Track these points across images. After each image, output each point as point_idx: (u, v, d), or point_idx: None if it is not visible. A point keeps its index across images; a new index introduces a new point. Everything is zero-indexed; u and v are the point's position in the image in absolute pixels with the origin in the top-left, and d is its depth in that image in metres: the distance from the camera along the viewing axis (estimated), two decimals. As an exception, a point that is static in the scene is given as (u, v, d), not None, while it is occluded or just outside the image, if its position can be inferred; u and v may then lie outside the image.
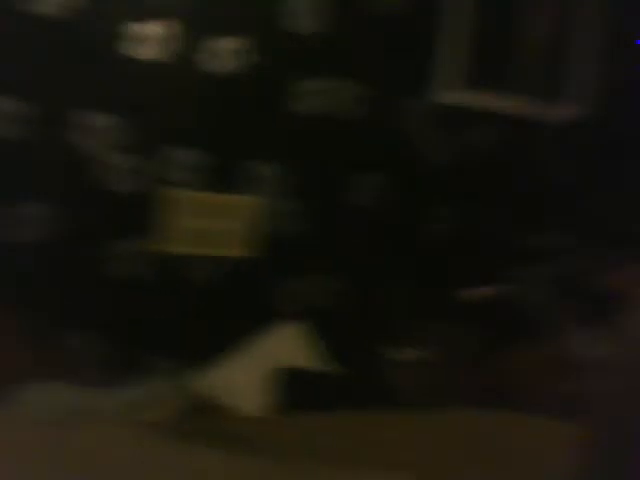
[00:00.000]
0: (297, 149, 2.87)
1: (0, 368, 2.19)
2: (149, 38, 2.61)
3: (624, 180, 3.09)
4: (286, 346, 2.75)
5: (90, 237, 2.61)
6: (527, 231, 3.07)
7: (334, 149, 2.93)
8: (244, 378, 2.61)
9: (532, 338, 2.51)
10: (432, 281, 3.06)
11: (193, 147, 2.72)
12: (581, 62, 3.21)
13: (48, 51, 2.50)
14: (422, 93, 3.02)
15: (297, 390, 2.59)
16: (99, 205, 2.62)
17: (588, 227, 2.99)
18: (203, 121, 2.73)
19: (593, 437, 1.04)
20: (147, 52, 2.62)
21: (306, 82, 2.83)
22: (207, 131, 2.74)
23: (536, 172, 3.18)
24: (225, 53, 2.72)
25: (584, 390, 2.19)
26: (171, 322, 2.71)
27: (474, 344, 2.63)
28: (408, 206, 3.06)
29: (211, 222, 2.77)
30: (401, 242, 3.06)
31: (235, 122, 2.78)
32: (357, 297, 2.98)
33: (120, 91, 2.59)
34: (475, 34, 3.04)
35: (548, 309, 2.58)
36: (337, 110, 2.90)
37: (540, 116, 3.15)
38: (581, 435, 1.05)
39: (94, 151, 2.57)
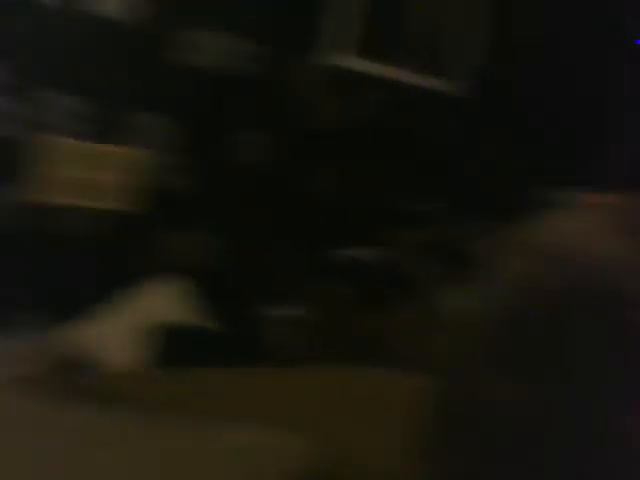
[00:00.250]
0: (185, 103, 2.82)
1: None
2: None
3: (500, 153, 3.26)
4: (163, 301, 2.73)
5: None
6: (406, 197, 3.18)
7: (223, 105, 2.91)
8: (118, 332, 2.57)
9: (405, 299, 2.63)
10: (313, 241, 3.13)
11: (75, 94, 2.61)
12: (468, 39, 3.33)
13: None
14: (314, 56, 3.04)
15: (172, 345, 2.59)
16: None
17: (465, 195, 3.15)
18: (86, 67, 2.62)
19: (434, 393, 1.12)
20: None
21: (196, 34, 2.78)
22: (91, 78, 2.64)
23: (421, 141, 3.30)
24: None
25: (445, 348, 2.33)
26: (44, 276, 2.62)
27: (350, 304, 2.72)
28: (294, 167, 3.09)
29: (92, 173, 2.69)
30: (285, 202, 3.10)
31: (121, 71, 2.69)
32: (239, 255, 3.00)
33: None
34: (367, 2, 3.09)
35: (420, 272, 2.71)
36: (227, 66, 2.86)
37: (426, 87, 3.26)
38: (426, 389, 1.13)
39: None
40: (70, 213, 2.66)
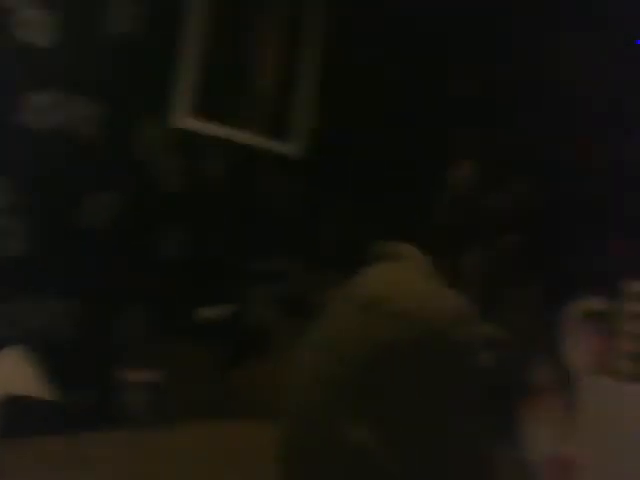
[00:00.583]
0: (25, 164, 2.75)
1: None
2: None
3: (340, 210, 3.45)
4: (4, 373, 2.60)
5: None
6: (254, 255, 3.27)
7: (67, 168, 2.86)
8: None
9: (261, 353, 2.69)
10: (164, 303, 3.12)
11: None
12: (306, 100, 3.52)
13: None
14: (157, 118, 3.08)
15: (14, 418, 2.47)
16: None
17: (309, 251, 3.29)
18: None
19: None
20: None
21: (36, 96, 2.74)
22: None
23: (262, 200, 3.42)
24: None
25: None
26: None
27: (207, 361, 2.73)
28: (142, 228, 3.09)
29: None
30: (134, 264, 3.07)
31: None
32: (91, 319, 2.93)
33: None
34: (208, 64, 3.19)
35: (276, 325, 2.79)
36: (70, 127, 2.84)
37: (267, 149, 3.40)
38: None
39: None
40: None
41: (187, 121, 3.17)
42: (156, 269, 3.13)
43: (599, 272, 2.70)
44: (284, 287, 2.97)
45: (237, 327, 2.86)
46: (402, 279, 1.16)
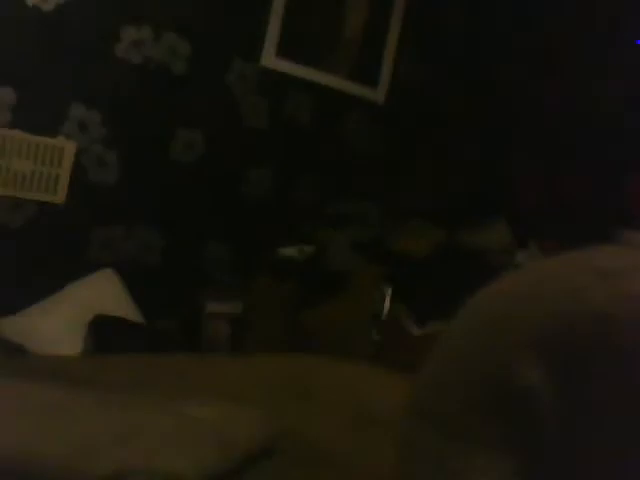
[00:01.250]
0: (118, 96, 2.84)
1: None
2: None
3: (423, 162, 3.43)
4: (98, 294, 2.75)
5: None
6: (335, 198, 3.31)
7: (157, 101, 2.94)
8: (54, 325, 2.58)
9: (338, 294, 2.75)
10: (247, 239, 3.21)
11: (4, 83, 2.59)
12: (392, 52, 3.48)
13: None
14: (247, 57, 3.12)
15: (108, 338, 2.61)
16: None
17: (388, 197, 3.30)
18: (20, 58, 2.61)
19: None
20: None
21: (130, 29, 2.81)
22: (23, 68, 2.63)
23: (348, 145, 3.44)
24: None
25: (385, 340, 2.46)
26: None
27: (285, 299, 2.81)
28: (227, 166, 3.16)
29: (20, 163, 2.67)
30: (218, 200, 3.16)
31: (54, 63, 2.69)
32: (175, 250, 3.05)
33: None
34: (300, 8, 3.19)
35: (350, 268, 2.83)
36: (162, 63, 2.91)
37: (352, 94, 3.40)
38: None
39: None
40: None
41: (276, 62, 3.19)
42: (239, 205, 3.21)
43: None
44: (363, 231, 3.00)
45: (315, 268, 2.92)
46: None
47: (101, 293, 2.74)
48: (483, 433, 0.88)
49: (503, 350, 0.86)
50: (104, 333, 2.62)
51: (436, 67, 3.54)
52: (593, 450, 0.81)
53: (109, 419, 1.13)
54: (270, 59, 3.17)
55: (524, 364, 0.83)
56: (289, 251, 2.98)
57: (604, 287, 0.83)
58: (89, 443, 1.05)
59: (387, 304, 2.57)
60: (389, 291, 2.59)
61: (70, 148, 2.75)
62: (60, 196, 2.77)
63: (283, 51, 3.18)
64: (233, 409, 1.31)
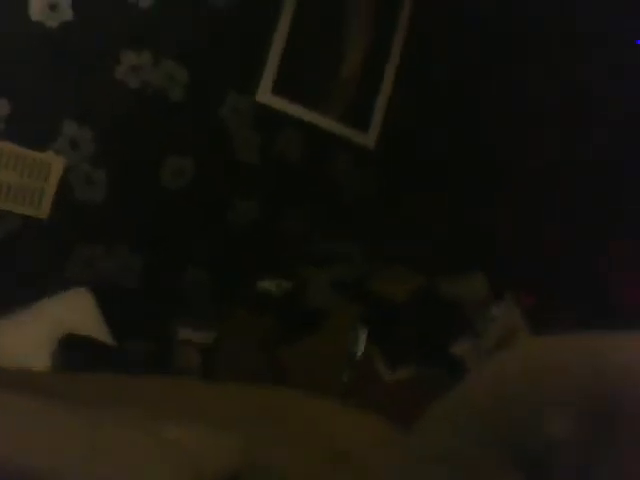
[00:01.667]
0: (113, 118, 2.86)
1: None
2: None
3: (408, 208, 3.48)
4: (70, 312, 2.72)
5: None
6: (318, 236, 3.33)
7: (150, 126, 2.97)
8: (23, 339, 2.54)
9: (314, 332, 2.75)
10: (228, 268, 3.21)
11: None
12: (384, 96, 3.55)
13: None
14: (243, 90, 3.16)
15: (76, 356, 2.58)
16: None
17: (372, 239, 3.33)
18: (17, 70, 2.63)
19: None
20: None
21: (130, 53, 2.84)
22: (18, 81, 2.64)
23: (335, 185, 3.48)
24: None
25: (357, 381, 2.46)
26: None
27: (260, 332, 2.80)
28: (214, 195, 3.18)
29: (6, 174, 2.66)
30: (202, 227, 3.17)
31: (52, 79, 2.71)
32: (155, 273, 3.04)
33: None
34: (298, 47, 3.25)
35: (329, 307, 2.84)
36: (159, 89, 2.94)
37: (343, 136, 3.46)
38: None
39: None
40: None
41: (271, 98, 3.24)
42: (223, 236, 3.22)
43: None
44: (345, 271, 3.02)
45: (293, 304, 2.92)
46: None
47: (73, 311, 2.71)
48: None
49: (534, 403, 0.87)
50: (73, 351, 2.59)
51: (427, 116, 3.60)
52: None
53: (84, 435, 1.12)
54: (266, 95, 3.22)
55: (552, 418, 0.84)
56: (268, 285, 2.99)
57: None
58: (69, 458, 1.04)
59: (362, 345, 2.58)
60: (365, 332, 2.60)
61: (58, 164, 2.75)
62: (44, 211, 2.76)
63: (279, 88, 3.23)
64: (208, 434, 1.30)
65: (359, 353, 2.56)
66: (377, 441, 1.69)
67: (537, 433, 0.84)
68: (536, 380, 0.90)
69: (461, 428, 0.92)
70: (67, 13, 2.67)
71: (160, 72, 2.92)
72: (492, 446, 0.87)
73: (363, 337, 2.58)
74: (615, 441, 0.82)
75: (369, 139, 3.55)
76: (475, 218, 3.27)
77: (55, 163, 2.74)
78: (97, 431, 1.15)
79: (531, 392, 0.89)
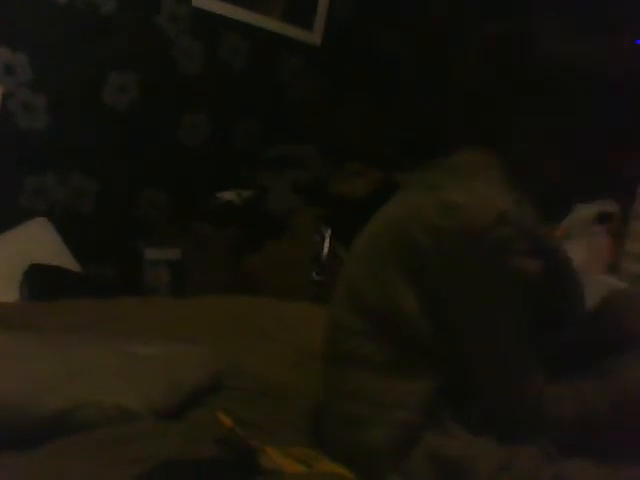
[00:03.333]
0: (43, 38, 2.74)
1: None
2: None
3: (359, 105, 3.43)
4: (32, 243, 2.69)
5: None
6: (272, 142, 3.29)
7: (89, 43, 2.85)
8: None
9: (276, 237, 2.76)
10: (184, 184, 3.18)
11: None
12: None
13: None
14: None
15: (43, 287, 2.57)
16: None
17: (326, 139, 3.30)
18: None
19: None
20: None
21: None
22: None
23: (283, 88, 3.41)
24: None
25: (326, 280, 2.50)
26: None
27: (224, 243, 2.81)
28: (162, 111, 3.10)
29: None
30: (153, 145, 3.11)
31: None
32: (110, 197, 2.99)
33: None
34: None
35: (289, 212, 2.85)
36: (89, 2, 2.80)
37: (287, 36, 3.35)
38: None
39: None
40: None
41: (208, 2, 3.12)
42: (176, 152, 3.16)
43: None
44: (301, 174, 3.00)
45: (255, 211, 2.91)
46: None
47: (35, 242, 2.68)
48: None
49: None
50: (39, 282, 2.57)
51: (375, 7, 3.50)
52: None
53: (55, 358, 1.13)
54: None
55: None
56: (228, 195, 2.97)
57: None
58: (40, 381, 1.06)
59: (327, 245, 2.60)
60: (328, 232, 2.61)
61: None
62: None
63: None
64: (180, 347, 1.32)
65: (325, 252, 2.59)
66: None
67: None
68: None
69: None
70: None
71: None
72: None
73: (327, 236, 2.60)
74: None
75: (314, 36, 3.46)
76: (428, 113, 3.24)
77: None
78: (68, 353, 1.16)
79: None
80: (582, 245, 2.59)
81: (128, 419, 1.08)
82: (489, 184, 1.14)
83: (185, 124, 3.16)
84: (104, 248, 2.94)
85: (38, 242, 2.71)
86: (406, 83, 3.34)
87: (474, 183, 1.14)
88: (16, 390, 1.02)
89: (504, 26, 1.22)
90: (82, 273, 2.75)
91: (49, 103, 2.78)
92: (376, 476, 1.13)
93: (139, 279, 2.84)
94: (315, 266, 2.52)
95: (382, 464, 1.13)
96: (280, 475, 0.99)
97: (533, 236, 1.12)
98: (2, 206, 2.74)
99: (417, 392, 1.13)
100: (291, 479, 1.00)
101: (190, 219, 3.02)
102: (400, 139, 3.18)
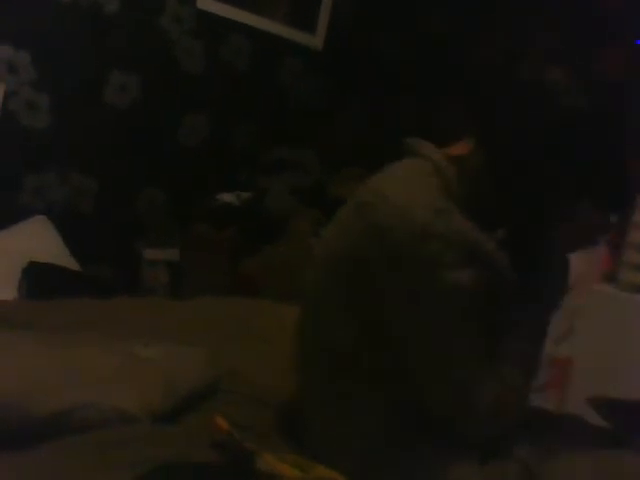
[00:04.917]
0: (47, 37, 2.74)
1: None
2: None
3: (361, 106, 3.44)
4: (32, 241, 2.69)
5: None
6: (272, 144, 3.29)
7: (92, 43, 2.85)
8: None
9: (275, 240, 2.77)
10: (184, 185, 3.18)
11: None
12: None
13: None
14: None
15: (42, 285, 2.57)
16: None
17: (326, 144, 3.31)
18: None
19: None
20: None
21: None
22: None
23: (284, 91, 3.41)
24: None
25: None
26: None
27: (223, 246, 2.81)
28: (163, 110, 3.10)
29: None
30: (155, 146, 3.11)
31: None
32: (110, 196, 2.99)
33: None
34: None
35: (287, 214, 2.85)
36: (93, 1, 2.81)
37: (290, 39, 3.36)
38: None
39: None
40: None
41: (213, 4, 3.12)
42: (176, 152, 3.16)
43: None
44: (301, 177, 3.01)
45: (254, 213, 2.92)
46: (399, 180, 1.19)
47: (34, 240, 2.68)
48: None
49: None
50: (38, 280, 2.57)
51: (377, 12, 3.51)
52: None
53: (54, 358, 1.13)
54: (207, 1, 3.10)
55: None
56: (227, 197, 2.97)
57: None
58: (38, 381, 1.06)
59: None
60: (327, 236, 2.61)
61: (-2, 90, 2.65)
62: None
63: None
64: (179, 349, 1.32)
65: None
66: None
67: None
68: None
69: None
70: None
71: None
72: None
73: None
74: None
75: (316, 40, 3.47)
76: (427, 118, 3.25)
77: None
78: (66, 353, 1.17)
79: None
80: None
81: (126, 421, 1.08)
82: (424, 188, 1.15)
83: (186, 125, 3.17)
84: (103, 247, 2.94)
85: (37, 240, 2.71)
86: (406, 87, 3.35)
87: (408, 188, 1.16)
88: (13, 390, 1.03)
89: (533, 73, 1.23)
90: (81, 272, 2.75)
91: (51, 102, 2.78)
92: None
93: (138, 279, 2.84)
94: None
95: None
96: (277, 479, 0.99)
97: (467, 244, 1.12)
98: (2, 204, 2.74)
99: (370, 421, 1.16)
100: (287, 483, 1.01)
101: (189, 220, 3.02)
102: (399, 143, 3.19)
